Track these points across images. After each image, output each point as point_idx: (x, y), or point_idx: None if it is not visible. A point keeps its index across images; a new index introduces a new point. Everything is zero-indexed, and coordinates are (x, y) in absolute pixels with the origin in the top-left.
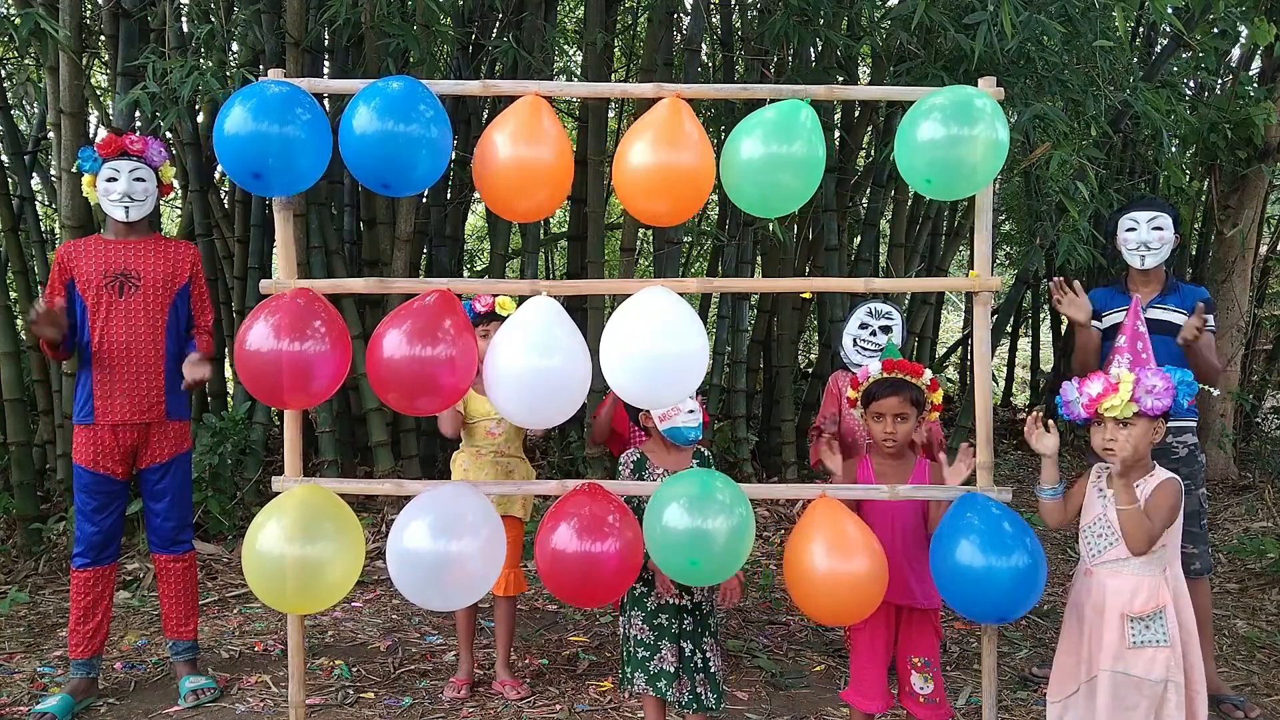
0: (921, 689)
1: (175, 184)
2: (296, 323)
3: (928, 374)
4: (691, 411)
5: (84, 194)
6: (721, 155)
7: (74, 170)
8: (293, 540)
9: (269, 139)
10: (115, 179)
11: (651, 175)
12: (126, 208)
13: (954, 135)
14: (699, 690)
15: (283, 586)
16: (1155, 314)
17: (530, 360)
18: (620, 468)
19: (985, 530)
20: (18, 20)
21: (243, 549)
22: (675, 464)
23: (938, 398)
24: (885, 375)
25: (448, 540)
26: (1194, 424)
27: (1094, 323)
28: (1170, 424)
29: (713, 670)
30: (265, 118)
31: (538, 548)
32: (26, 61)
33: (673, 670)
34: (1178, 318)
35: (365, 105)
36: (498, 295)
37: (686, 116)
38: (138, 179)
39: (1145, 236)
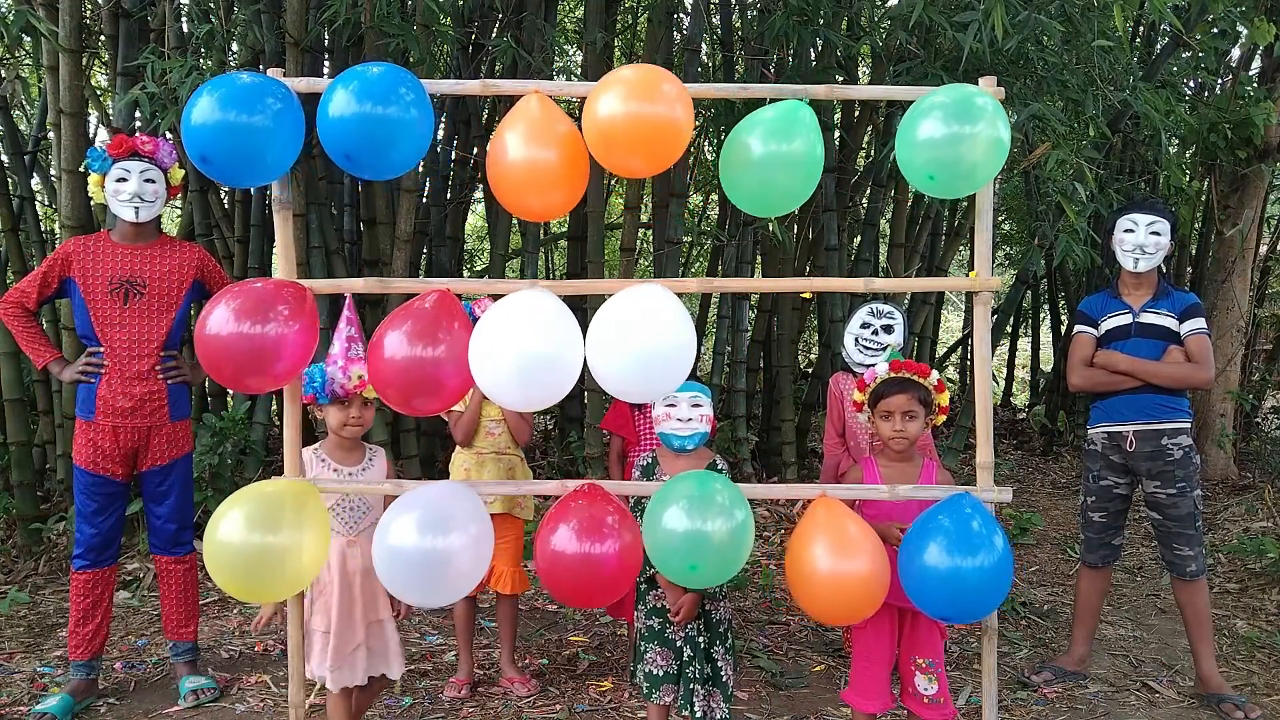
0: (926, 690)
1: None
2: (257, 306)
3: (934, 375)
4: (686, 420)
5: (91, 193)
6: (721, 154)
7: (82, 169)
8: (251, 529)
9: (222, 127)
10: (125, 179)
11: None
12: (136, 209)
13: (955, 133)
14: (707, 702)
15: (240, 575)
16: (1147, 318)
17: (517, 342)
18: (634, 470)
19: (952, 530)
20: (10, 18)
21: (203, 543)
22: (684, 470)
23: (944, 399)
24: (893, 374)
25: (433, 536)
26: (1188, 425)
27: (1090, 329)
28: (1165, 425)
29: (724, 680)
30: (229, 106)
31: (536, 548)
32: (26, 61)
33: (659, 673)
34: (1169, 322)
35: (342, 85)
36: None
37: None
38: (148, 180)
39: (1142, 240)
